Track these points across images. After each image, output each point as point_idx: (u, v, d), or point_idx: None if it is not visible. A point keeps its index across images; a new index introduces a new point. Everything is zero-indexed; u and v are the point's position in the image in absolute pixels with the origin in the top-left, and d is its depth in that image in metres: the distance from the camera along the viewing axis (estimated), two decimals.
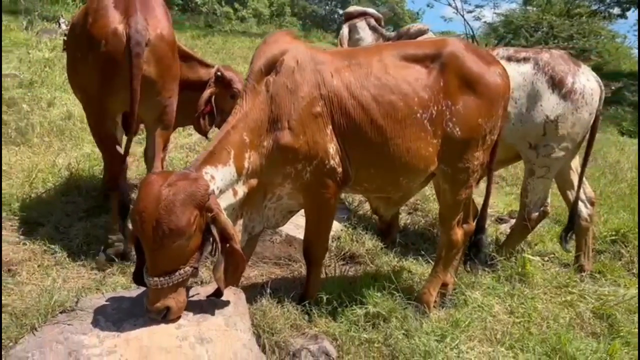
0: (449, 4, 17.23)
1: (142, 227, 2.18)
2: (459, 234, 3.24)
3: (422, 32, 4.12)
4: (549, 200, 3.98)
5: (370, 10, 4.48)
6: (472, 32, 16.87)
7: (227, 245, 2.34)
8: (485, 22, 17.44)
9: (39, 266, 3.36)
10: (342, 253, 3.98)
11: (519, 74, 3.74)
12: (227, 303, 2.57)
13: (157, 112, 3.50)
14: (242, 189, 2.66)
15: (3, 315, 2.61)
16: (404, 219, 4.82)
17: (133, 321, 2.42)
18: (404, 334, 2.94)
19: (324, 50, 3.03)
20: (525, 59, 3.78)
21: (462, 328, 2.98)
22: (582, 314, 3.32)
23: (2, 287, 2.85)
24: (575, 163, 4.05)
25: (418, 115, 2.89)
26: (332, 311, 3.05)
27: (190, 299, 2.52)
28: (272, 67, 2.75)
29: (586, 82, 3.71)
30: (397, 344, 2.82)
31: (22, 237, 3.64)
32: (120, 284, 3.21)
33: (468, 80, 2.95)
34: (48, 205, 4.16)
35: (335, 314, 3.05)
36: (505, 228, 5.04)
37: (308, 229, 3.05)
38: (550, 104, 3.68)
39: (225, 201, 2.56)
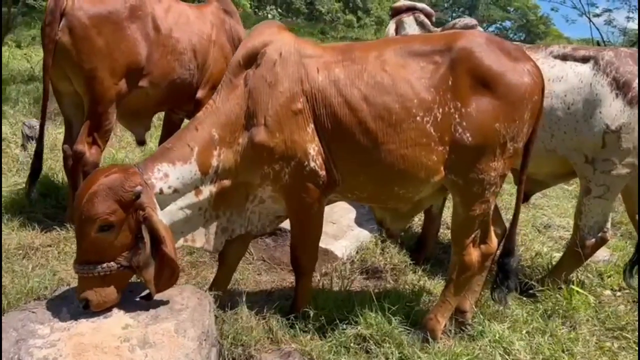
0: (574, 7, 15.79)
1: (73, 212, 2.28)
2: (473, 255, 2.82)
3: (469, 28, 3.70)
4: (608, 225, 3.36)
5: (421, 5, 4.12)
6: (602, 36, 15.32)
7: (158, 249, 2.25)
8: (616, 26, 15.73)
9: (58, 253, 3.47)
10: (365, 267, 3.68)
11: (575, 74, 3.20)
12: (186, 307, 2.44)
13: (79, 84, 3.53)
14: (208, 189, 2.53)
15: None
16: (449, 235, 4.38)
17: (92, 316, 2.38)
18: None
19: (317, 44, 2.80)
20: (585, 58, 3.22)
21: None
22: None
23: (7, 270, 2.94)
24: None
25: (418, 118, 2.55)
26: (320, 328, 2.80)
27: (147, 302, 2.43)
28: (253, 59, 2.59)
29: None
30: None
31: (53, 222, 3.79)
32: None
33: (483, 79, 2.55)
34: None
35: (323, 331, 2.79)
36: None
37: (293, 236, 2.84)
38: (612, 111, 3.10)
39: (184, 201, 2.46)
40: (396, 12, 4.16)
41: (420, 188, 2.71)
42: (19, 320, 2.34)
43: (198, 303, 2.48)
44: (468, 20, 3.87)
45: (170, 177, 2.40)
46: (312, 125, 2.57)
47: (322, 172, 2.60)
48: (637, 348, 2.94)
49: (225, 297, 2.80)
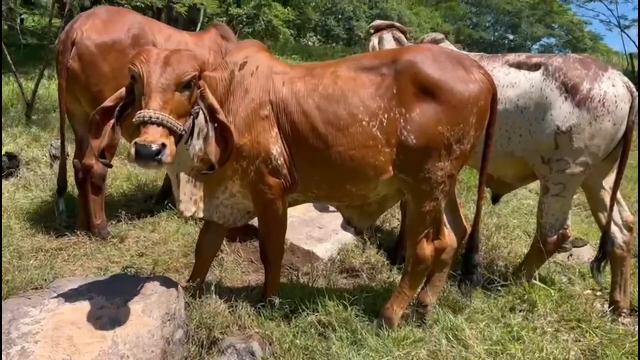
0: (602, 21, 15.54)
1: (150, 67, 2.48)
2: (427, 249, 3.05)
3: (436, 42, 3.96)
4: (569, 222, 3.50)
5: (398, 24, 4.47)
6: (639, 48, 14.99)
7: (215, 119, 2.65)
8: None
9: (68, 255, 3.90)
10: (344, 266, 3.94)
11: (526, 80, 3.42)
12: (155, 292, 2.78)
13: (88, 105, 3.93)
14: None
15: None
16: None
17: (75, 300, 2.76)
18: (348, 345, 2.86)
19: (286, 63, 3.14)
20: (536, 65, 3.43)
21: (403, 345, 2.80)
22: (569, 350, 2.87)
23: (17, 267, 3.36)
24: (610, 182, 3.52)
25: (364, 123, 2.84)
26: (285, 316, 3.08)
27: (124, 288, 2.79)
28: (237, 66, 2.96)
29: (609, 88, 3.24)
30: (326, 354, 2.75)
31: (66, 230, 4.23)
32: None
33: (426, 87, 2.81)
34: (109, 207, 4.72)
35: (287, 318, 3.07)
36: (562, 257, 4.51)
37: (260, 232, 3.15)
38: (561, 113, 3.28)
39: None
40: (377, 29, 4.50)
41: (371, 186, 2.97)
42: (15, 304, 2.73)
43: (166, 289, 2.83)
44: (435, 35, 4.14)
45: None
46: (276, 130, 2.90)
47: (284, 171, 2.92)
48: (590, 337, 3.07)
49: (198, 287, 3.13)
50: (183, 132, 2.54)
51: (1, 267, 3.14)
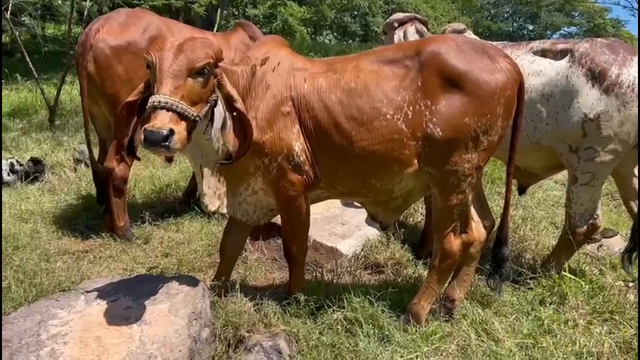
0: (627, 7, 15.20)
1: (163, 54, 2.45)
2: (454, 243, 2.99)
3: (458, 32, 3.89)
4: (598, 212, 3.41)
5: (418, 15, 4.44)
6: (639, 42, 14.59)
7: (233, 108, 2.63)
8: None
9: (93, 257, 3.93)
10: (368, 262, 3.90)
11: (552, 67, 3.33)
12: (180, 292, 2.78)
13: (105, 107, 3.95)
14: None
15: (29, 288, 3.12)
16: None
17: (102, 301, 2.77)
18: (375, 341, 2.83)
19: (307, 59, 3.10)
20: (562, 52, 3.34)
21: (432, 340, 2.75)
22: (603, 343, 2.80)
23: (45, 270, 3.39)
24: None
25: (388, 116, 2.80)
26: (311, 313, 3.05)
27: (150, 288, 2.79)
28: (259, 61, 2.92)
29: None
30: (354, 350, 2.72)
31: (91, 232, 4.27)
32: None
33: (451, 78, 2.76)
34: (133, 209, 4.76)
35: (313, 316, 3.04)
36: (592, 248, 4.41)
37: (283, 229, 3.12)
38: (588, 100, 3.20)
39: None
40: (401, 23, 4.46)
41: (396, 180, 2.93)
42: (44, 306, 2.75)
43: (191, 288, 2.82)
44: (456, 25, 4.08)
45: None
46: (297, 126, 2.86)
47: (306, 167, 2.88)
48: (624, 329, 2.98)
49: (223, 286, 3.12)
50: (197, 119, 2.46)
51: (1, 275, 3.18)
